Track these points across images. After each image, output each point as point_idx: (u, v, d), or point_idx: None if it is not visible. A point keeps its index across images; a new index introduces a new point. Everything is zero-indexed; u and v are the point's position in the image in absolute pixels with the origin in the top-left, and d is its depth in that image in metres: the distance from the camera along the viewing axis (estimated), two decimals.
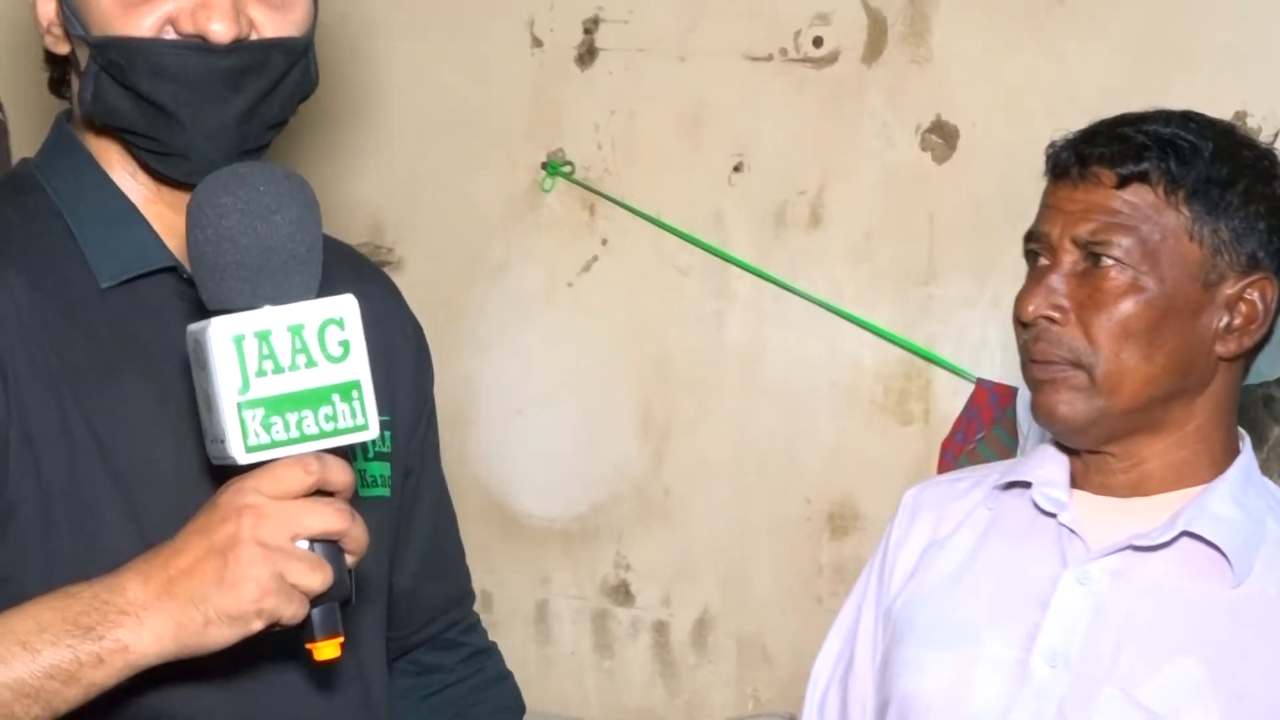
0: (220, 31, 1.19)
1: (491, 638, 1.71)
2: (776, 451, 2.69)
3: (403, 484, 1.48)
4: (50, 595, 1.14)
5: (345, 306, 1.11)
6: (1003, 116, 2.58)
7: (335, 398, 1.11)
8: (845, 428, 2.68)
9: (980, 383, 2.54)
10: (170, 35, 1.21)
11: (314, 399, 1.10)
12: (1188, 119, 1.46)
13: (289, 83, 1.28)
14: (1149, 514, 1.46)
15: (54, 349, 1.26)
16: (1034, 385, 1.46)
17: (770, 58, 2.72)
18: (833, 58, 2.69)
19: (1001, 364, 2.55)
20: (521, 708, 1.69)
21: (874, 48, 2.66)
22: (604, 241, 2.83)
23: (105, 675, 1.11)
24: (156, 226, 1.31)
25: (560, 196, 2.86)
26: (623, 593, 2.89)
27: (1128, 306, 1.41)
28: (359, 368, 1.11)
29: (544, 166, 2.85)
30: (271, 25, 1.25)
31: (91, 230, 1.30)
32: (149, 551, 1.14)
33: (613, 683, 2.80)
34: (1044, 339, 1.43)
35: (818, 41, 2.69)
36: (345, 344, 1.11)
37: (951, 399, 2.58)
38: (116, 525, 1.25)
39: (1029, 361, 1.46)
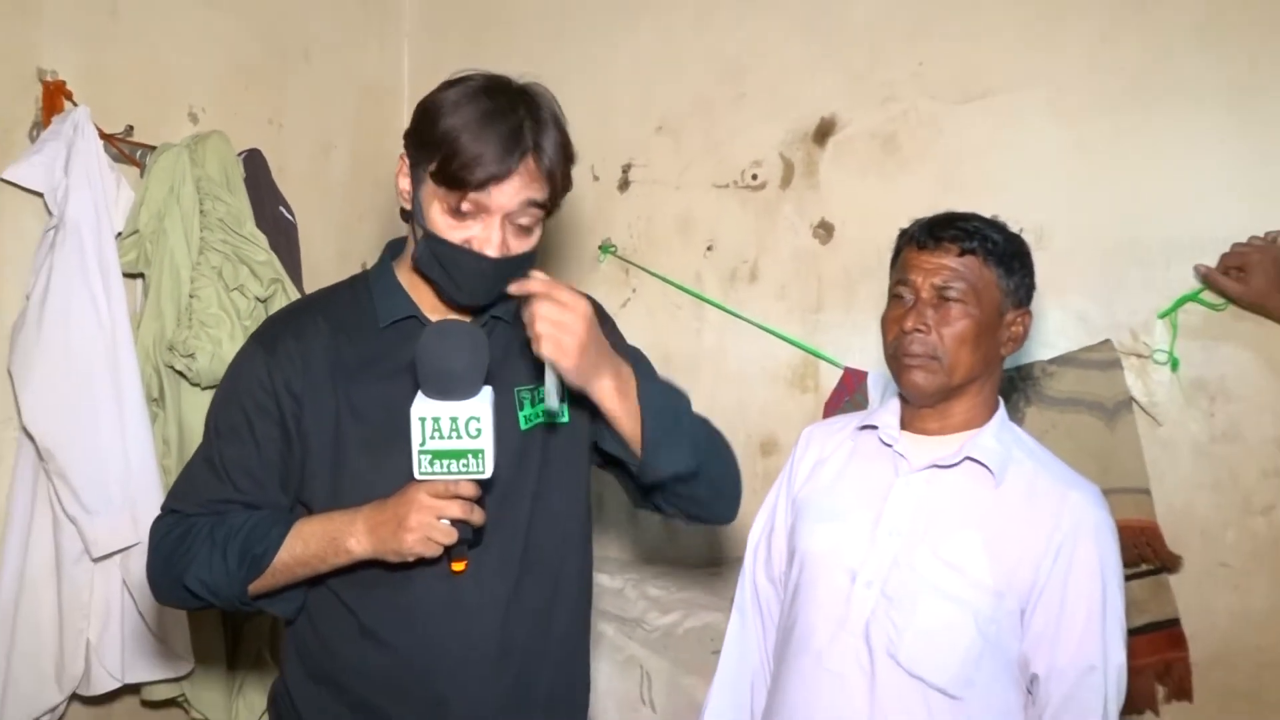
0: (492, 253, 1.24)
1: None
2: (732, 409, 2.63)
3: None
4: (320, 515, 1.26)
5: (482, 408, 1.15)
6: (860, 220, 2.52)
7: (469, 456, 1.15)
8: (770, 395, 2.63)
9: (847, 369, 2.48)
10: (467, 246, 1.24)
11: (458, 455, 1.15)
12: (990, 221, 1.44)
13: (517, 274, 1.26)
14: (947, 446, 1.43)
15: (339, 360, 1.30)
16: (905, 368, 1.41)
17: (728, 185, 2.67)
18: (763, 185, 2.63)
19: (859, 359, 2.50)
20: None
21: (786, 179, 2.60)
22: (634, 290, 2.78)
23: (339, 561, 1.24)
24: (415, 299, 1.35)
25: (609, 265, 2.81)
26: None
27: (963, 325, 1.38)
28: (486, 441, 1.15)
29: (600, 248, 2.80)
30: (519, 247, 1.27)
31: (381, 300, 1.34)
32: (370, 505, 1.22)
33: (637, 536, 2.74)
34: (916, 342, 1.39)
35: (755, 176, 2.63)
36: (479, 429, 1.15)
37: (830, 379, 2.52)
38: (360, 467, 1.28)
39: (903, 355, 1.40)
